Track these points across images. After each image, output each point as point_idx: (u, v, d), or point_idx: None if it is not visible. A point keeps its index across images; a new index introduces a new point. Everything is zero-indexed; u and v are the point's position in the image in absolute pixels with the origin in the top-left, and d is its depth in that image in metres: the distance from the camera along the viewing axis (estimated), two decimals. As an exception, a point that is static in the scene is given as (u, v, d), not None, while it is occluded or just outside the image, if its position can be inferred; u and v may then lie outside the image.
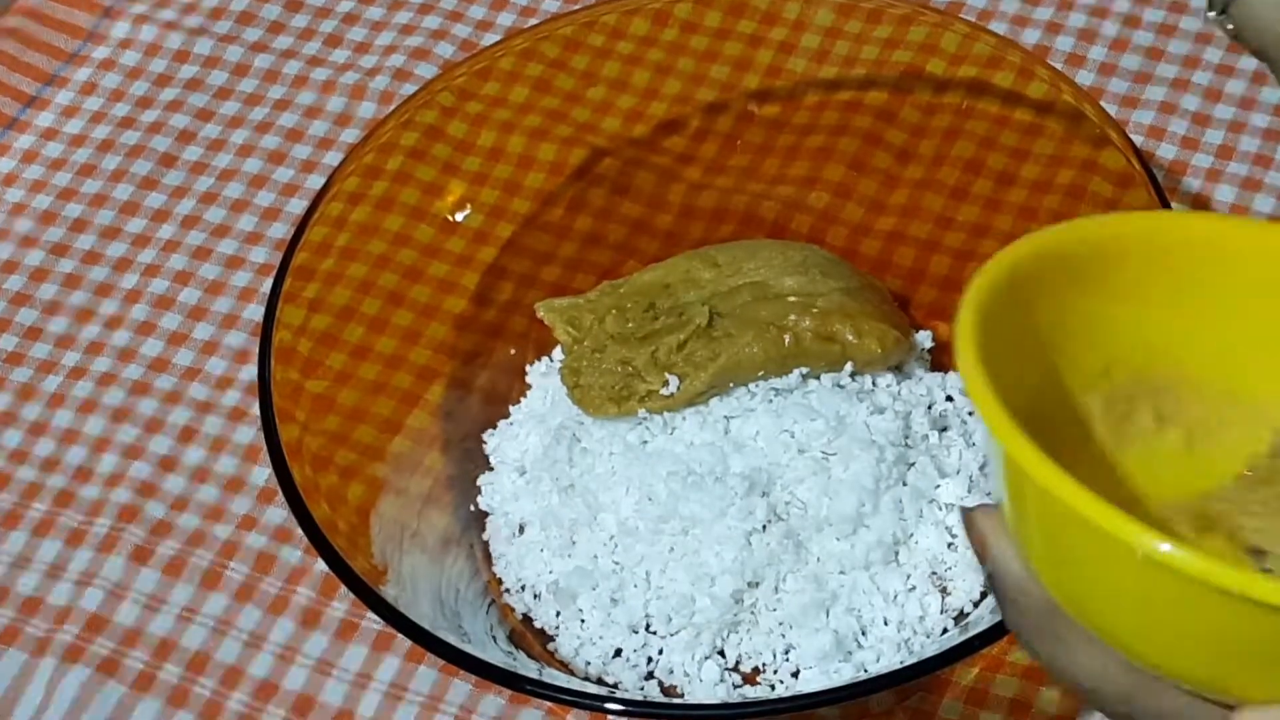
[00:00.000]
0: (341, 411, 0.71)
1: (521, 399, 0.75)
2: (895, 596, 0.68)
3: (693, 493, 0.67)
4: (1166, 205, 0.68)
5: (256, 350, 0.78)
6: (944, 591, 0.68)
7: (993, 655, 0.69)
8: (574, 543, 0.70)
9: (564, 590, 0.69)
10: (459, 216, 0.77)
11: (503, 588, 0.71)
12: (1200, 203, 0.80)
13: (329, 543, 0.64)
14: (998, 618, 0.61)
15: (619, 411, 0.70)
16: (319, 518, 0.64)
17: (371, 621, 0.72)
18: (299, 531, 0.73)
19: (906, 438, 0.70)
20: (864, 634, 0.68)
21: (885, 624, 0.68)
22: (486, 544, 0.72)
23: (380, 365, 0.73)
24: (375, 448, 0.71)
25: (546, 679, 0.63)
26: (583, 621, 0.69)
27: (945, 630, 0.68)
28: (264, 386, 0.67)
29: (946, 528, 0.69)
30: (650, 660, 0.68)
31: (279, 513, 0.75)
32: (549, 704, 0.69)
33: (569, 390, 0.71)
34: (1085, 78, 0.84)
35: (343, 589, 0.71)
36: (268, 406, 0.67)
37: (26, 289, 0.83)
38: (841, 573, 0.68)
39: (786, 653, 0.68)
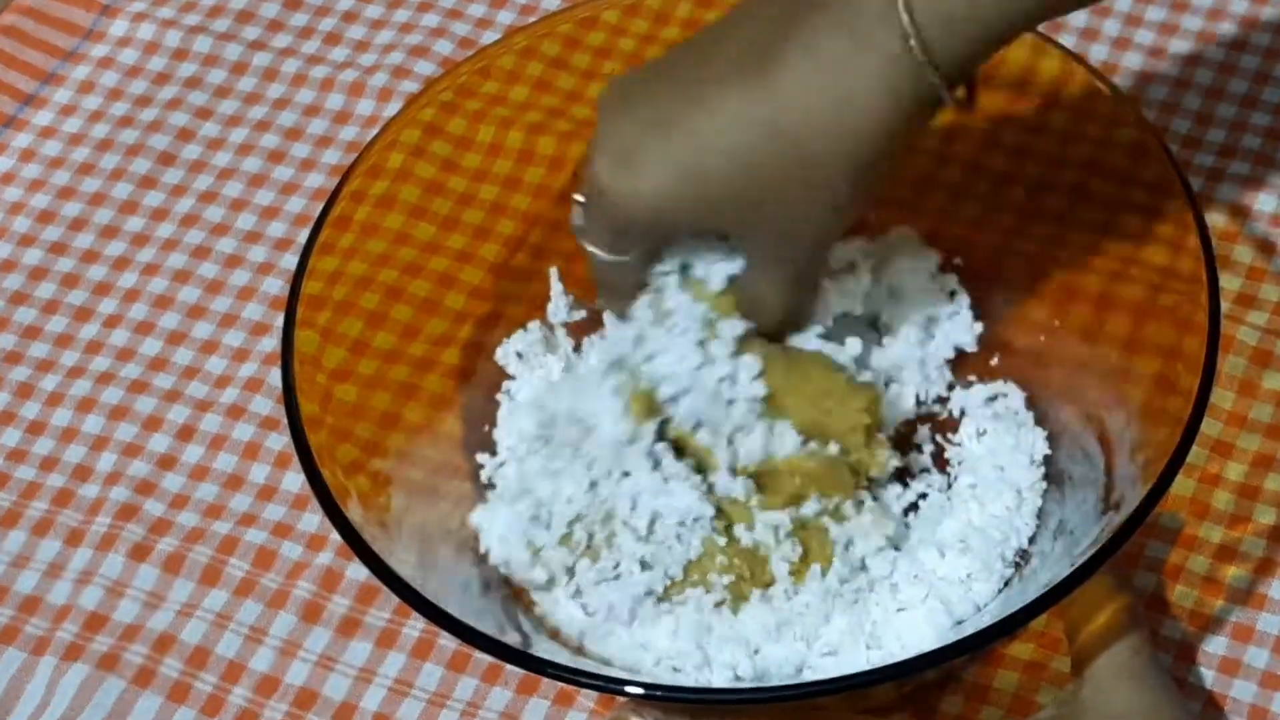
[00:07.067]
0: (371, 418, 0.70)
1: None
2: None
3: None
4: (1184, 178, 0.68)
5: (255, 349, 0.79)
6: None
7: (995, 651, 0.69)
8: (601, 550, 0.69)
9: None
10: (481, 204, 0.76)
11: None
12: (1203, 200, 0.79)
13: (369, 547, 0.63)
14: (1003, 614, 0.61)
15: None
16: (354, 520, 0.64)
17: (375, 617, 0.71)
18: (298, 527, 0.74)
19: None
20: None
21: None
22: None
23: (410, 368, 0.73)
24: (405, 451, 0.71)
25: (585, 668, 0.63)
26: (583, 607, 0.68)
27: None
28: (289, 393, 0.67)
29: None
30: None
31: (278, 509, 0.75)
32: (554, 696, 0.69)
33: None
34: (1086, 76, 0.84)
35: (344, 584, 0.72)
36: (295, 415, 0.66)
37: (25, 288, 0.82)
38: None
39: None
